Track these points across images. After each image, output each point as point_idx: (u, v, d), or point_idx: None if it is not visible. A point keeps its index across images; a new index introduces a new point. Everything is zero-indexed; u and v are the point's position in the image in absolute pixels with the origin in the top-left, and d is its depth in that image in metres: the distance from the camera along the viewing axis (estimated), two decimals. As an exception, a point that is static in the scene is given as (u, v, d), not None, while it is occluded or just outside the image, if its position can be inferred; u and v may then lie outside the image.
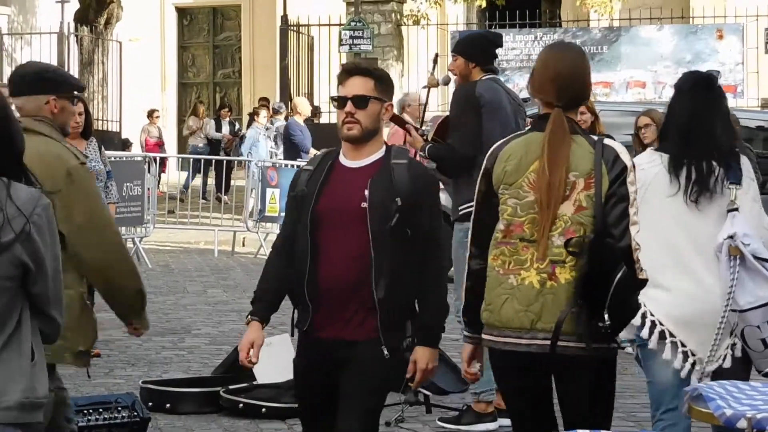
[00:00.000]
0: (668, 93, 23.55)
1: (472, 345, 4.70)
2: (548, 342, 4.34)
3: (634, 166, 4.50)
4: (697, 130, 5.14)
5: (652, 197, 5.03)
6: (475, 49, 7.57)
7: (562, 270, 4.36)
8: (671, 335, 5.07)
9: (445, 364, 8.74)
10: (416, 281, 4.72)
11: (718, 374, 5.00)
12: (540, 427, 4.61)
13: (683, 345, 5.09)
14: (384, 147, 4.80)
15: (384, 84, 4.80)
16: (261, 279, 4.93)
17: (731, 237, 4.97)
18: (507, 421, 7.57)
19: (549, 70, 4.57)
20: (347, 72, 4.84)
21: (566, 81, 4.54)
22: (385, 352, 4.67)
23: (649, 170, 5.10)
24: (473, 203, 6.36)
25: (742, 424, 3.91)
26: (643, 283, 4.49)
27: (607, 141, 4.51)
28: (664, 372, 5.15)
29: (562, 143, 4.44)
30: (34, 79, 5.08)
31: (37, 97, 5.00)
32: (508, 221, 4.48)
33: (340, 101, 4.77)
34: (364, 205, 4.64)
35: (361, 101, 4.72)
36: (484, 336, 4.58)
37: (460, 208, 7.40)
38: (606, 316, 4.30)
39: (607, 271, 4.29)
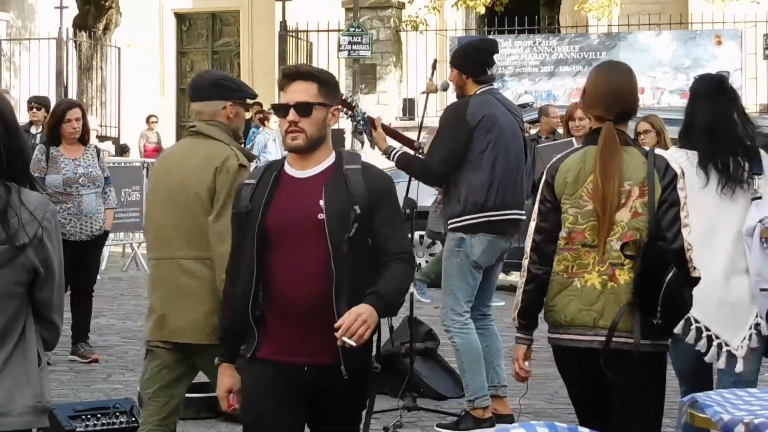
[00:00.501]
0: (667, 99, 23.75)
1: (526, 346, 5.03)
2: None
3: (683, 173, 4.84)
4: (721, 128, 5.69)
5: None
6: (467, 60, 7.56)
7: (621, 272, 4.72)
8: (696, 321, 5.52)
9: (442, 370, 8.76)
10: None
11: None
12: (598, 416, 4.88)
13: (707, 329, 5.58)
14: (334, 153, 4.47)
15: (328, 87, 4.47)
16: (222, 315, 4.56)
17: (761, 221, 5.52)
18: (506, 425, 7.60)
19: (599, 87, 4.94)
20: (288, 77, 4.45)
21: (615, 97, 4.89)
22: (345, 374, 4.26)
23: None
24: (461, 217, 7.02)
25: (740, 429, 3.92)
26: (696, 281, 4.79)
27: (657, 151, 4.90)
28: (685, 353, 5.76)
29: (613, 156, 4.78)
30: (212, 86, 5.55)
31: (214, 103, 5.50)
32: (570, 229, 4.82)
33: (281, 109, 4.40)
34: (321, 216, 4.29)
35: (304, 108, 4.37)
36: (550, 335, 4.90)
37: (450, 221, 7.45)
38: (659, 314, 4.63)
39: (659, 272, 4.61)
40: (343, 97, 8.20)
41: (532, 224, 4.94)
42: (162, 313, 5.38)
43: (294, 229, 4.32)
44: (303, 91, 4.38)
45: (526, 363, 5.04)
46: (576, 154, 4.91)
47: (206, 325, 5.21)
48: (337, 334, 4.13)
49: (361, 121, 8.10)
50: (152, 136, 24.98)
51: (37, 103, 13.72)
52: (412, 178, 7.85)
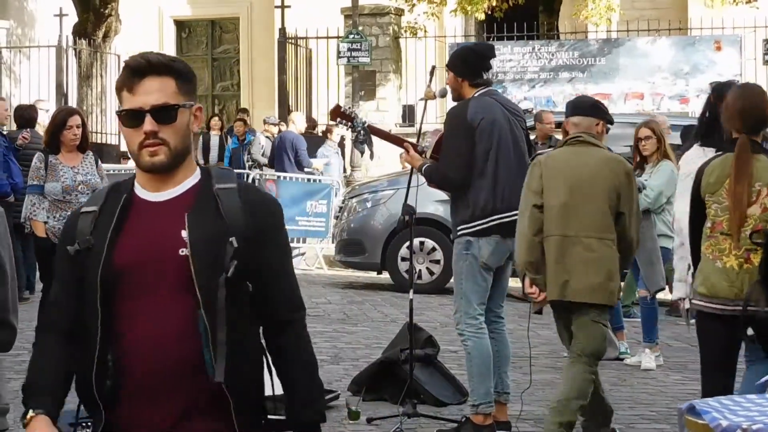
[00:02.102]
0: (666, 104, 23.67)
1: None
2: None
3: None
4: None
5: None
6: (463, 64, 7.58)
7: (756, 255, 5.88)
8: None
9: (442, 376, 8.75)
10: (262, 352, 3.41)
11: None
12: (725, 371, 6.07)
13: None
14: (198, 170, 3.42)
15: (187, 81, 3.39)
16: (32, 370, 3.39)
17: None
18: (505, 433, 7.60)
19: (734, 106, 6.02)
20: (137, 72, 3.31)
21: (748, 113, 5.98)
22: None
23: (697, 162, 6.44)
24: (471, 223, 7.37)
25: (739, 435, 3.92)
26: None
27: None
28: None
29: (746, 162, 5.91)
30: (590, 106, 7.23)
31: (589, 119, 7.09)
32: (713, 220, 6.01)
33: (131, 117, 3.30)
34: (184, 252, 3.25)
35: (165, 113, 3.30)
36: (696, 302, 6.08)
37: (458, 228, 7.46)
38: None
39: None
40: (341, 109, 8.23)
41: (689, 217, 6.14)
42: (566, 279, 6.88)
43: (149, 270, 3.27)
44: (159, 91, 3.30)
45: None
46: (718, 159, 6.04)
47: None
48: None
49: (362, 131, 8.11)
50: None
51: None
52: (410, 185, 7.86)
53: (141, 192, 3.38)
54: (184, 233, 3.26)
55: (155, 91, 3.28)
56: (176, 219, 3.29)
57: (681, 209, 6.48)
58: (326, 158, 19.71)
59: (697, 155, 6.63)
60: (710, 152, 6.40)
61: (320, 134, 21.35)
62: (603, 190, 6.90)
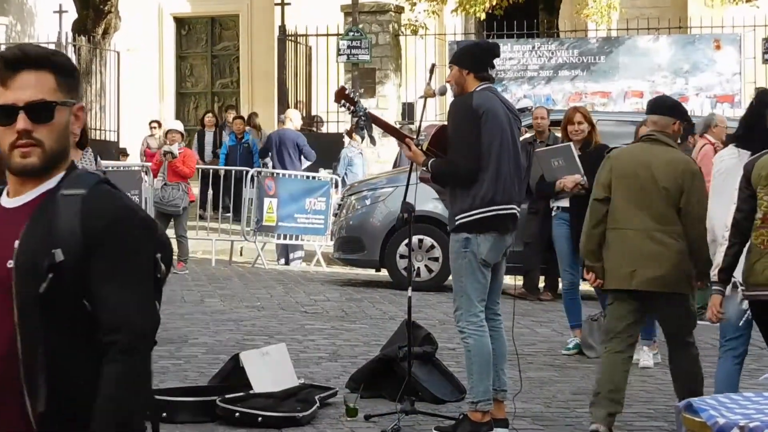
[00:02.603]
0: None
1: (721, 296, 6.61)
2: None
3: None
4: None
5: (733, 181, 6.70)
6: (469, 57, 7.61)
7: None
8: (741, 284, 6.70)
9: (440, 373, 8.76)
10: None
11: None
12: None
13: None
14: (63, 173, 3.05)
15: (69, 76, 3.06)
16: None
17: None
18: (503, 431, 7.61)
19: None
20: (11, 64, 2.99)
21: None
22: None
23: (729, 161, 7.15)
24: (470, 212, 7.33)
25: (735, 432, 3.93)
26: None
27: None
28: (731, 310, 6.87)
29: None
30: (669, 106, 7.67)
31: (667, 119, 7.49)
32: (765, 212, 6.35)
33: (2, 114, 2.98)
34: (11, 264, 2.93)
35: (41, 111, 2.99)
36: (748, 293, 6.44)
37: (457, 217, 7.44)
38: None
39: None
40: (346, 91, 8.21)
41: (733, 206, 6.50)
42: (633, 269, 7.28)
43: None
44: (35, 86, 2.98)
45: (718, 309, 6.57)
46: None
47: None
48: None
49: (363, 117, 8.09)
50: (153, 141, 24.94)
51: None
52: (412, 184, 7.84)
53: (3, 197, 3.07)
54: (17, 244, 2.94)
55: (31, 86, 2.97)
56: (16, 228, 2.96)
57: (714, 206, 6.93)
58: (342, 161, 19.76)
59: (730, 155, 7.26)
60: (745, 154, 6.90)
61: (316, 132, 21.32)
62: (666, 187, 7.25)
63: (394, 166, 19.09)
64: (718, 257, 6.80)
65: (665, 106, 7.65)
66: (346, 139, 20.34)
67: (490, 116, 7.36)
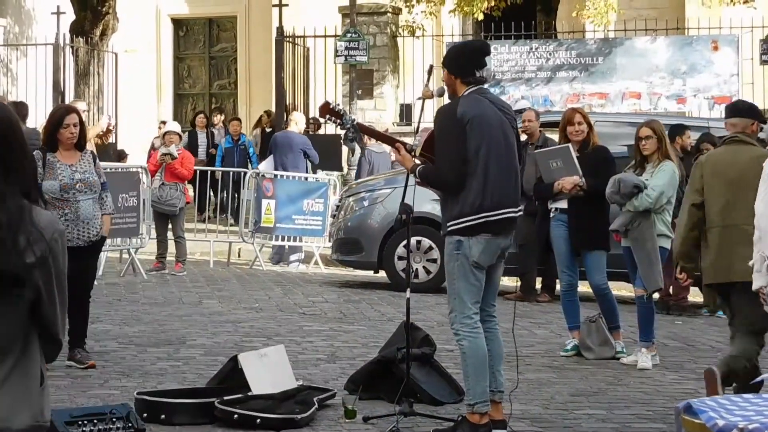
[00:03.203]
0: (663, 104, 23.60)
1: None
2: None
3: None
4: None
5: None
6: (455, 61, 7.60)
7: None
8: None
9: (439, 375, 8.76)
10: None
11: None
12: None
13: None
14: None
15: None
16: None
17: None
18: (501, 432, 7.61)
19: None
20: None
21: None
22: None
23: None
24: (459, 219, 7.31)
25: (735, 434, 3.93)
26: None
27: None
28: None
29: None
30: (747, 109, 8.35)
31: (746, 120, 8.16)
32: None
33: None
34: None
35: None
36: None
37: (449, 224, 7.45)
38: None
39: None
40: (330, 106, 8.21)
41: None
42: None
43: None
44: None
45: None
46: None
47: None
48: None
49: (351, 129, 8.09)
50: (157, 142, 24.88)
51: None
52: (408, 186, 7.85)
53: None
54: None
55: None
56: None
57: (762, 206, 7.05)
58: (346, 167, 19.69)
59: None
60: None
61: (312, 133, 21.28)
62: (756, 183, 7.49)
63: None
64: (758, 258, 7.03)
65: (743, 109, 8.34)
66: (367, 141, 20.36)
67: (475, 123, 7.35)
